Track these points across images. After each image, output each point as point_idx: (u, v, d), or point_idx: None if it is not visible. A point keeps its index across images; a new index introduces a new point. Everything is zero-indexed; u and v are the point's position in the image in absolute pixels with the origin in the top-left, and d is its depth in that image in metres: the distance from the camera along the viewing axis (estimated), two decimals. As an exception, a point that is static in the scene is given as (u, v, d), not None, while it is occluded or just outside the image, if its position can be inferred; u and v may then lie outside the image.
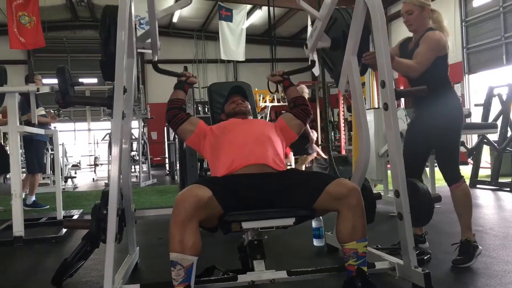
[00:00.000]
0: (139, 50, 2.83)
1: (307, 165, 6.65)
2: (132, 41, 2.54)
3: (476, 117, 7.24)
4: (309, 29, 11.23)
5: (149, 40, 2.79)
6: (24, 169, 6.07)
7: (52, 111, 6.21)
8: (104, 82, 7.96)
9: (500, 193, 5.95)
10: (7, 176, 8.59)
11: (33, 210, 5.73)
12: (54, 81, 3.25)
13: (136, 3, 2.45)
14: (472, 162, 7.21)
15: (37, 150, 5.95)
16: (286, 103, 10.77)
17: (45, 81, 6.25)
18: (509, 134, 6.37)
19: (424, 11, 2.84)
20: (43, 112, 5.96)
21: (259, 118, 4.72)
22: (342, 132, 11.43)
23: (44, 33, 10.17)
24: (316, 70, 6.62)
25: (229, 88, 2.99)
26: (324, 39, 2.85)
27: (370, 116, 5.11)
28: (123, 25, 2.16)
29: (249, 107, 2.85)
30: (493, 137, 6.65)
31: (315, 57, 2.95)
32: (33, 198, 6.03)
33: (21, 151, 5.03)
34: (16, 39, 9.50)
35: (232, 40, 12.76)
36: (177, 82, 2.77)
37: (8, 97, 3.83)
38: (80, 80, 3.49)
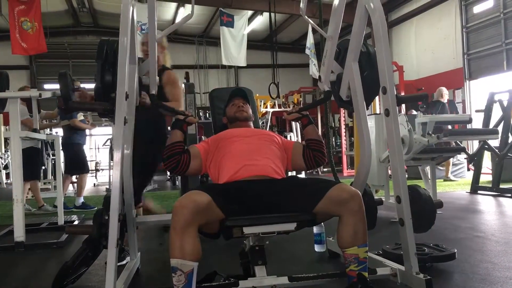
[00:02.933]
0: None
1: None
2: (134, 47, 2.54)
3: (477, 123, 7.24)
4: (310, 35, 11.27)
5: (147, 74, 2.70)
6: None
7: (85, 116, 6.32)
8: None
9: (501, 199, 5.93)
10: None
11: (42, 214, 5.76)
12: (56, 86, 3.27)
13: (137, 9, 2.46)
14: (473, 168, 7.21)
15: (77, 153, 6.07)
16: (288, 109, 10.76)
17: (46, 86, 6.34)
18: (510, 140, 6.37)
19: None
20: (82, 118, 6.03)
21: (260, 123, 4.71)
22: (343, 138, 11.43)
23: (46, 39, 10.20)
24: (316, 74, 6.61)
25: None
26: (336, 70, 2.74)
27: (371, 122, 5.11)
28: (125, 30, 2.17)
29: (250, 111, 2.83)
30: (494, 143, 6.65)
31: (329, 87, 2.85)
32: (81, 199, 6.12)
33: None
34: (18, 44, 9.54)
35: (234, 46, 12.79)
36: (174, 121, 2.66)
37: (10, 102, 3.84)
38: (82, 85, 3.51)
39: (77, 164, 6.15)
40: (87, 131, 6.70)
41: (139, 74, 2.60)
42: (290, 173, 3.39)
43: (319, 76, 2.80)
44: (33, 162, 5.54)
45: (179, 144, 2.51)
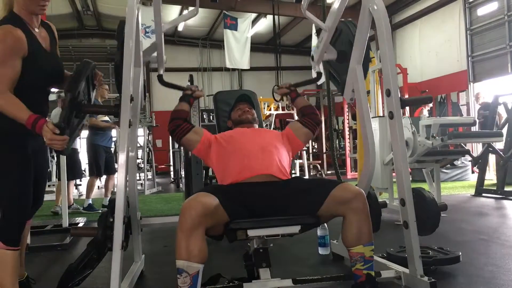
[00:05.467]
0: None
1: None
2: (139, 50, 2.56)
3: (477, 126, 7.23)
4: (314, 37, 11.28)
5: (155, 54, 2.81)
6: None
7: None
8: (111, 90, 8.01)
9: (506, 201, 5.91)
10: (78, 182, 8.90)
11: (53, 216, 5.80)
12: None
13: (142, 12, 2.47)
14: (477, 170, 7.19)
15: (95, 155, 6.13)
16: (291, 111, 10.75)
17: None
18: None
19: None
20: (106, 118, 6.08)
21: (264, 126, 4.72)
22: (347, 140, 11.42)
23: (50, 42, 10.23)
24: (320, 79, 6.62)
25: (234, 96, 3.00)
26: (330, 51, 2.84)
27: (375, 124, 5.11)
28: (130, 34, 2.18)
29: (256, 115, 2.86)
30: (499, 145, 6.63)
31: (322, 69, 2.95)
32: (89, 201, 6.19)
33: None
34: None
35: (237, 49, 12.79)
36: (182, 95, 2.76)
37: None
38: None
39: (89, 165, 6.36)
40: (114, 133, 6.73)
41: None
42: (297, 173, 3.38)
43: (312, 56, 2.90)
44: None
45: (184, 112, 2.63)
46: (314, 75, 3.01)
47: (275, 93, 3.00)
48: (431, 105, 9.81)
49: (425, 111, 9.30)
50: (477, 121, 8.18)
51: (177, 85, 2.91)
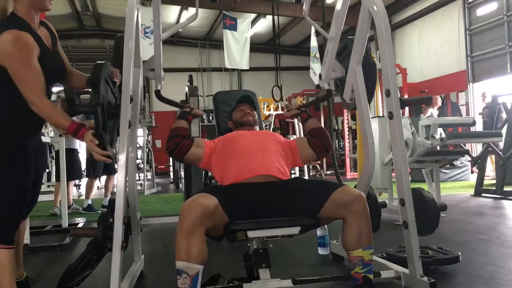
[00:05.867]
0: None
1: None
2: (139, 50, 2.56)
3: (480, 126, 7.23)
4: (313, 38, 11.27)
5: (153, 69, 2.75)
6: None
7: None
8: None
9: (505, 201, 5.91)
10: (78, 182, 8.89)
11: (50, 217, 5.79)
12: (60, 89, 3.28)
13: (141, 12, 2.47)
14: (477, 170, 7.19)
15: (89, 155, 6.15)
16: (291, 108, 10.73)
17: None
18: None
19: None
20: None
21: (263, 125, 4.73)
22: (346, 140, 11.42)
23: (50, 42, 10.23)
24: (316, 80, 6.62)
25: (234, 97, 3.00)
26: (337, 69, 2.78)
27: (374, 125, 5.11)
28: (130, 34, 2.18)
29: (257, 117, 2.85)
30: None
31: (331, 86, 2.86)
32: (89, 201, 6.21)
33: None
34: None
35: (236, 49, 12.79)
36: (180, 113, 2.70)
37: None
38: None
39: (88, 167, 6.35)
40: None
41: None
42: (297, 173, 3.38)
43: (320, 74, 2.83)
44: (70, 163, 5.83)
45: (183, 129, 2.56)
46: (312, 76, 2.99)
47: (285, 115, 2.94)
48: (439, 104, 9.71)
49: (434, 112, 9.26)
50: (482, 120, 8.19)
51: (175, 102, 2.86)
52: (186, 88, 4.63)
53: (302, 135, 2.72)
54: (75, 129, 2.00)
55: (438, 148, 4.97)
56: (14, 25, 1.97)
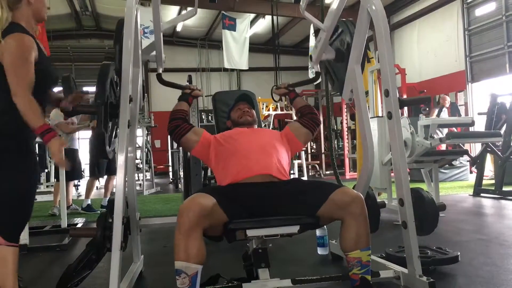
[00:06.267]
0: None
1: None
2: (138, 50, 2.56)
3: (479, 125, 7.23)
4: (312, 38, 11.28)
5: (154, 53, 2.81)
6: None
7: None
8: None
9: (504, 201, 5.92)
10: (77, 183, 8.90)
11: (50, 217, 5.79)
12: (59, 89, 3.27)
13: (140, 13, 2.48)
14: (475, 170, 7.20)
15: (92, 155, 6.27)
16: (290, 112, 10.73)
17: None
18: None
19: None
20: None
21: (263, 126, 4.73)
22: (345, 141, 11.42)
23: (49, 42, 10.21)
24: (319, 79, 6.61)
25: (233, 96, 2.99)
26: (328, 51, 2.85)
27: (373, 125, 5.11)
28: (129, 34, 2.18)
29: (255, 116, 2.85)
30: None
31: (319, 68, 2.96)
32: (88, 201, 6.22)
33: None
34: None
35: (236, 49, 12.80)
36: (181, 94, 2.75)
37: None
38: (85, 88, 3.50)
39: (91, 167, 6.36)
40: None
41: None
42: (296, 173, 3.39)
43: (310, 56, 2.93)
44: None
45: (183, 111, 2.63)
46: (311, 75, 3.03)
47: (273, 93, 3.00)
48: (447, 104, 9.66)
49: (443, 114, 9.22)
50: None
51: (176, 84, 2.91)
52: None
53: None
54: (43, 131, 1.97)
55: (442, 147, 4.95)
56: (18, 29, 2.03)
